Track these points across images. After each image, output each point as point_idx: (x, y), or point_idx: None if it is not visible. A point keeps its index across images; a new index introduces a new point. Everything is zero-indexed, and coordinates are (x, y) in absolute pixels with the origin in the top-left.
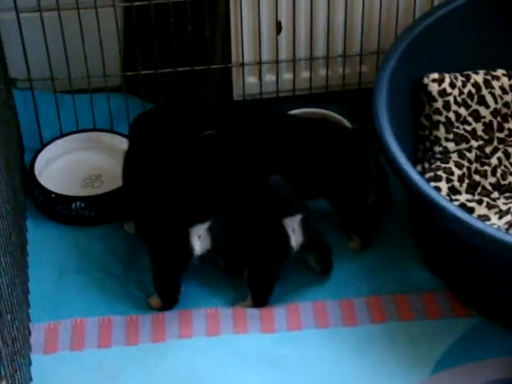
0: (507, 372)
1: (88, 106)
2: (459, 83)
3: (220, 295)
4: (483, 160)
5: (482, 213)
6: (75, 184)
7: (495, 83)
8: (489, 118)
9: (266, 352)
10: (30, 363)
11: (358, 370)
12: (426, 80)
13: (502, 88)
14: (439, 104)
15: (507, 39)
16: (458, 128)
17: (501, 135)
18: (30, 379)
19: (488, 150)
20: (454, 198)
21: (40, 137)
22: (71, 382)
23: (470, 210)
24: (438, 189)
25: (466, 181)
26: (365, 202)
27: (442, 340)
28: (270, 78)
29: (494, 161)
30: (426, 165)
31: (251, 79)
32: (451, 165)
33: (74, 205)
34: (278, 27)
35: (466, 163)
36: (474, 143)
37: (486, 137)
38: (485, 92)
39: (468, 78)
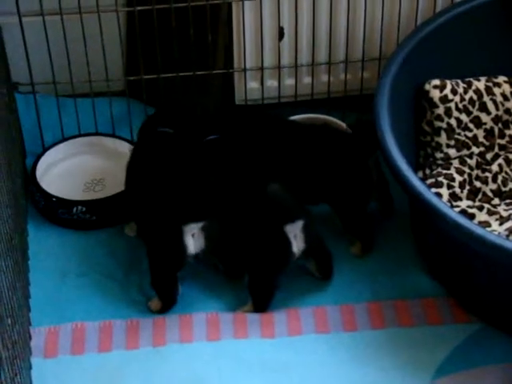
0: (508, 378)
1: (90, 110)
2: (461, 90)
3: (221, 300)
4: (484, 166)
5: (482, 219)
6: (77, 188)
7: (496, 90)
8: (490, 124)
9: (266, 357)
10: (30, 367)
11: (358, 376)
12: (427, 86)
13: (503, 95)
14: (441, 110)
15: (509, 46)
16: (459, 134)
17: (502, 142)
18: (30, 383)
19: (489, 156)
20: (454, 204)
21: (42, 141)
22: None
23: (471, 217)
24: (438, 195)
25: (467, 187)
26: (365, 206)
27: (442, 346)
28: (271, 83)
29: (494, 167)
30: (427, 171)
31: (253, 84)
32: (452, 171)
33: (75, 209)
34: (280, 33)
35: (467, 169)
36: (475, 149)
37: (487, 143)
38: (486, 98)
39: (469, 84)
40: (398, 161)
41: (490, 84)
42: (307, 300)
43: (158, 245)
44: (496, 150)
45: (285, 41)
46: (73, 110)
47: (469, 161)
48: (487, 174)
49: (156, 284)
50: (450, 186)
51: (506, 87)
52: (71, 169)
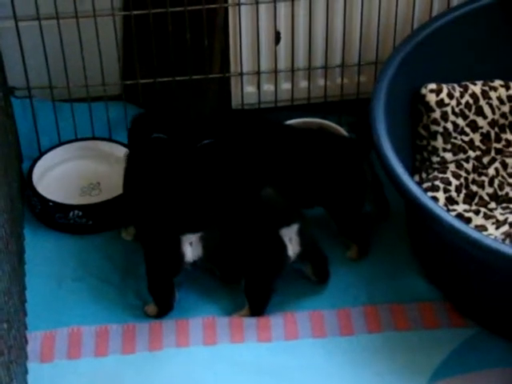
0: (505, 382)
1: (87, 114)
2: (457, 94)
3: (217, 304)
4: (480, 170)
5: (479, 223)
6: (73, 192)
7: (493, 94)
8: (486, 128)
9: (262, 361)
10: (26, 372)
11: (354, 380)
12: (423, 90)
13: (499, 99)
14: (437, 114)
15: (505, 50)
16: (455, 138)
17: (498, 146)
18: None
19: (485, 160)
20: (451, 208)
21: (38, 145)
22: None
23: (467, 221)
24: (435, 199)
25: (464, 191)
26: (360, 209)
27: (439, 350)
28: (268, 87)
29: (491, 171)
30: (424, 175)
31: (250, 89)
32: (449, 175)
33: (71, 213)
34: (277, 37)
35: (463, 173)
36: (471, 153)
37: (484, 147)
38: (482, 102)
39: (466, 88)
40: (395, 165)
41: (487, 88)
42: (303, 304)
43: (155, 252)
44: (492, 153)
45: (281, 45)
46: (69, 115)
47: (465, 165)
48: (484, 177)
49: (153, 290)
50: (446, 190)
51: (502, 91)
52: (68, 173)
